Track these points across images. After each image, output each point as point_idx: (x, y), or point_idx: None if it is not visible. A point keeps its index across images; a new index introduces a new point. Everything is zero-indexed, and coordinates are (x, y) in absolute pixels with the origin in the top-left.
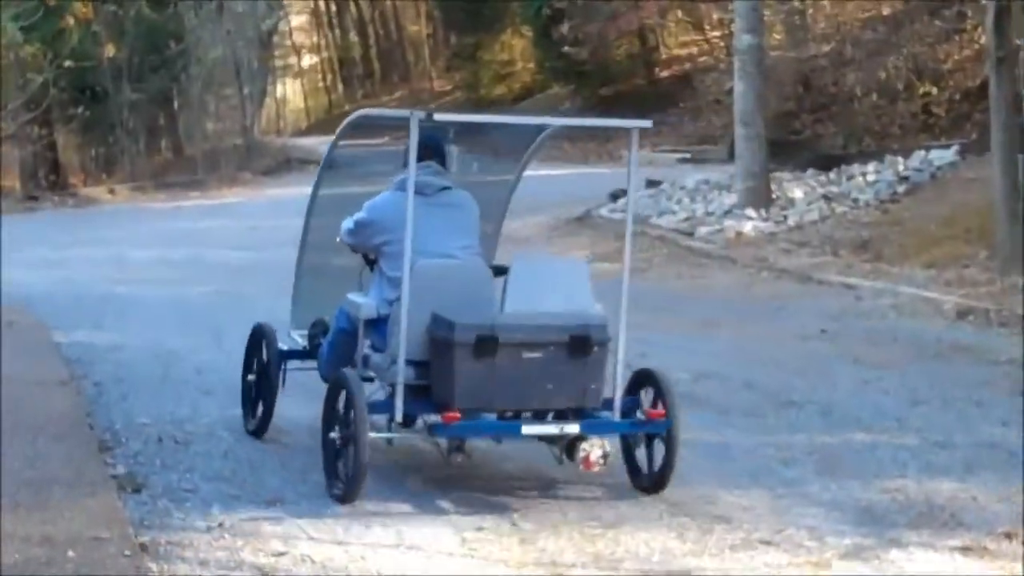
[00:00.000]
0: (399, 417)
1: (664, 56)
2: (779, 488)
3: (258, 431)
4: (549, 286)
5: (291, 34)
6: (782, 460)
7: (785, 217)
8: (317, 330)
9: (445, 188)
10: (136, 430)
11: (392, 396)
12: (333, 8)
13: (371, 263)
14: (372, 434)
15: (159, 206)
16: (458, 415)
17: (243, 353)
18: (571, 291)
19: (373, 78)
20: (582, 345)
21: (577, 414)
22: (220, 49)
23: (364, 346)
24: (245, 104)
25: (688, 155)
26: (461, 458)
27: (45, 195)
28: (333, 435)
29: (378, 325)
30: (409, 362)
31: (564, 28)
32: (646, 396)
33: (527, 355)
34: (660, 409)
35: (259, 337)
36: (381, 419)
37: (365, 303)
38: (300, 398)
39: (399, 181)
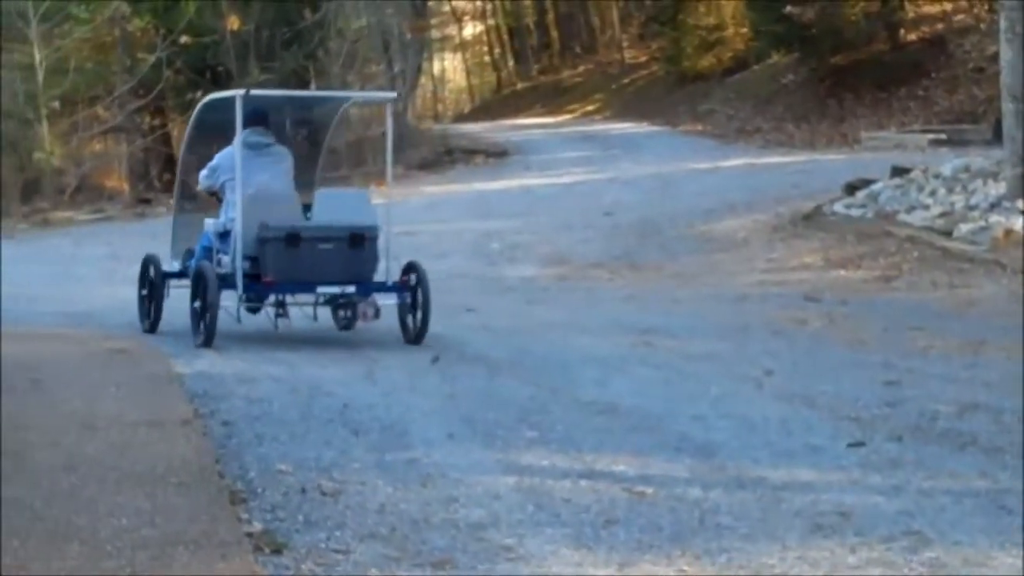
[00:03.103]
0: (240, 290)
1: (911, 15)
2: None
3: (152, 328)
4: (341, 207)
5: None
6: None
7: None
8: (187, 256)
9: (269, 144)
10: (274, 479)
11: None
12: None
13: (219, 201)
14: (224, 303)
15: None
16: (272, 279)
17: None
18: (356, 210)
19: (551, 50)
20: (359, 240)
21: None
22: (364, 18)
23: (219, 249)
24: (395, 84)
25: (943, 136)
26: (284, 322)
27: (159, 197)
28: (196, 304)
29: (225, 236)
30: (245, 257)
31: None
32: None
33: (321, 246)
34: (412, 283)
35: (147, 264)
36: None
37: (216, 221)
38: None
39: (239, 141)
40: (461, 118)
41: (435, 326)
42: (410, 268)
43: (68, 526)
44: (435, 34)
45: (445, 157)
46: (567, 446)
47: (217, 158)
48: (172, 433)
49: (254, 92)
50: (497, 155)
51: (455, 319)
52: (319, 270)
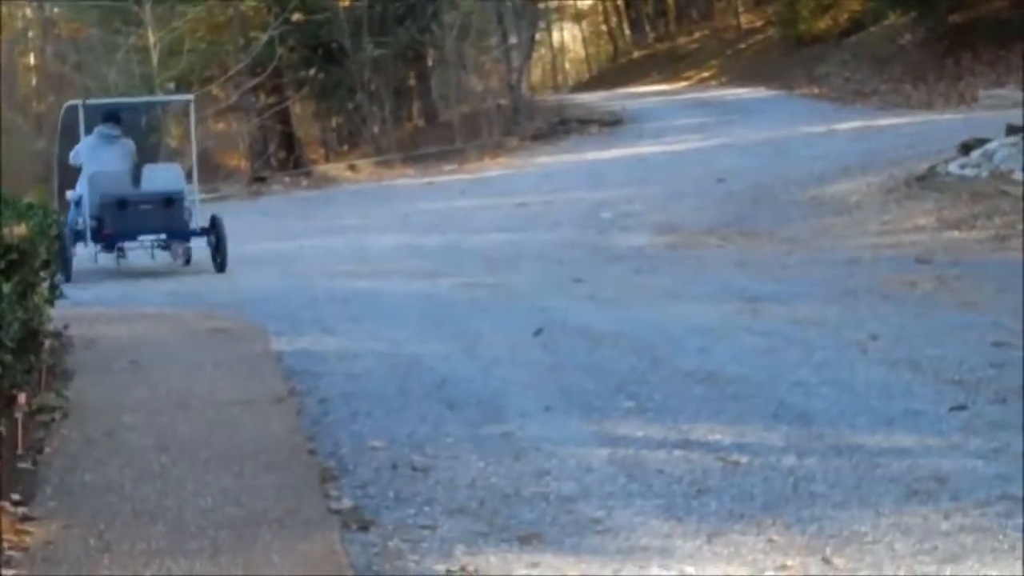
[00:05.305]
0: (90, 238)
1: None
2: None
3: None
4: (160, 178)
5: None
6: None
7: None
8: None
9: (117, 136)
10: (366, 455)
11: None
12: None
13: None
14: (82, 250)
15: (408, 183)
16: (111, 232)
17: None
18: (171, 179)
19: (667, 17)
20: (170, 202)
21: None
22: None
23: (75, 214)
24: (511, 56)
25: None
26: (123, 261)
27: (275, 175)
28: (67, 254)
29: (79, 203)
30: (92, 217)
31: None
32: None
33: (143, 207)
34: (211, 229)
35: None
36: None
37: (73, 192)
38: None
39: (95, 133)
40: (579, 87)
41: (541, 298)
42: (213, 220)
43: (155, 506)
44: (551, 4)
45: (559, 127)
46: (664, 416)
47: (79, 144)
48: (265, 411)
49: (89, 101)
50: (611, 124)
51: (562, 290)
52: (141, 224)
